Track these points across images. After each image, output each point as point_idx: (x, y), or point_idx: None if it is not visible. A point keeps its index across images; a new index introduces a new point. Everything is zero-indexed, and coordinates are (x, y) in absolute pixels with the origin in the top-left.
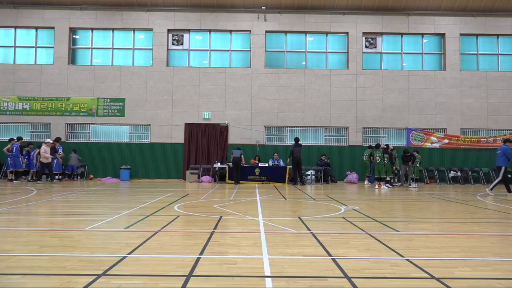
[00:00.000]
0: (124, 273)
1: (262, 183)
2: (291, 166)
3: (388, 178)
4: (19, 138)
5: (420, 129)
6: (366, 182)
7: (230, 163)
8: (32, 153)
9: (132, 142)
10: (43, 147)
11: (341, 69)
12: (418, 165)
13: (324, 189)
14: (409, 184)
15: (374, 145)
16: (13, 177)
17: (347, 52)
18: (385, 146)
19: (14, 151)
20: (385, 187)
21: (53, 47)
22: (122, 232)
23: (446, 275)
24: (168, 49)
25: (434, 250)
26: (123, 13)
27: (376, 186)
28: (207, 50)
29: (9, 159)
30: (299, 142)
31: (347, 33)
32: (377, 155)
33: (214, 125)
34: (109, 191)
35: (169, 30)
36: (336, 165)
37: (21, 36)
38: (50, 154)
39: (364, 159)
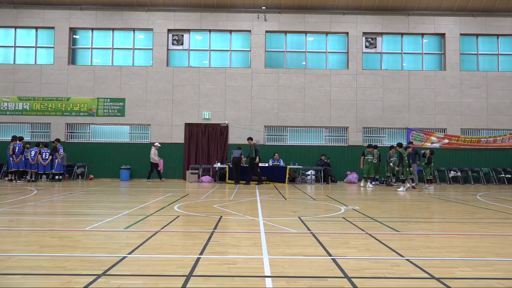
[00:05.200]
0: (124, 273)
1: (262, 183)
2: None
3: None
4: (21, 138)
5: (420, 129)
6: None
7: (230, 163)
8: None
9: (132, 142)
10: (153, 149)
11: (341, 69)
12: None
13: (324, 189)
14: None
15: (395, 144)
16: (13, 177)
17: (347, 52)
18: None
19: (16, 150)
20: (371, 186)
21: (53, 47)
22: (122, 232)
23: (446, 275)
24: (168, 49)
25: (434, 250)
26: (123, 13)
27: (363, 184)
28: (207, 50)
29: (11, 159)
30: None
31: (347, 33)
32: (373, 154)
33: (214, 125)
34: (109, 191)
35: (169, 30)
36: (336, 165)
37: (21, 36)
38: (50, 155)
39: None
